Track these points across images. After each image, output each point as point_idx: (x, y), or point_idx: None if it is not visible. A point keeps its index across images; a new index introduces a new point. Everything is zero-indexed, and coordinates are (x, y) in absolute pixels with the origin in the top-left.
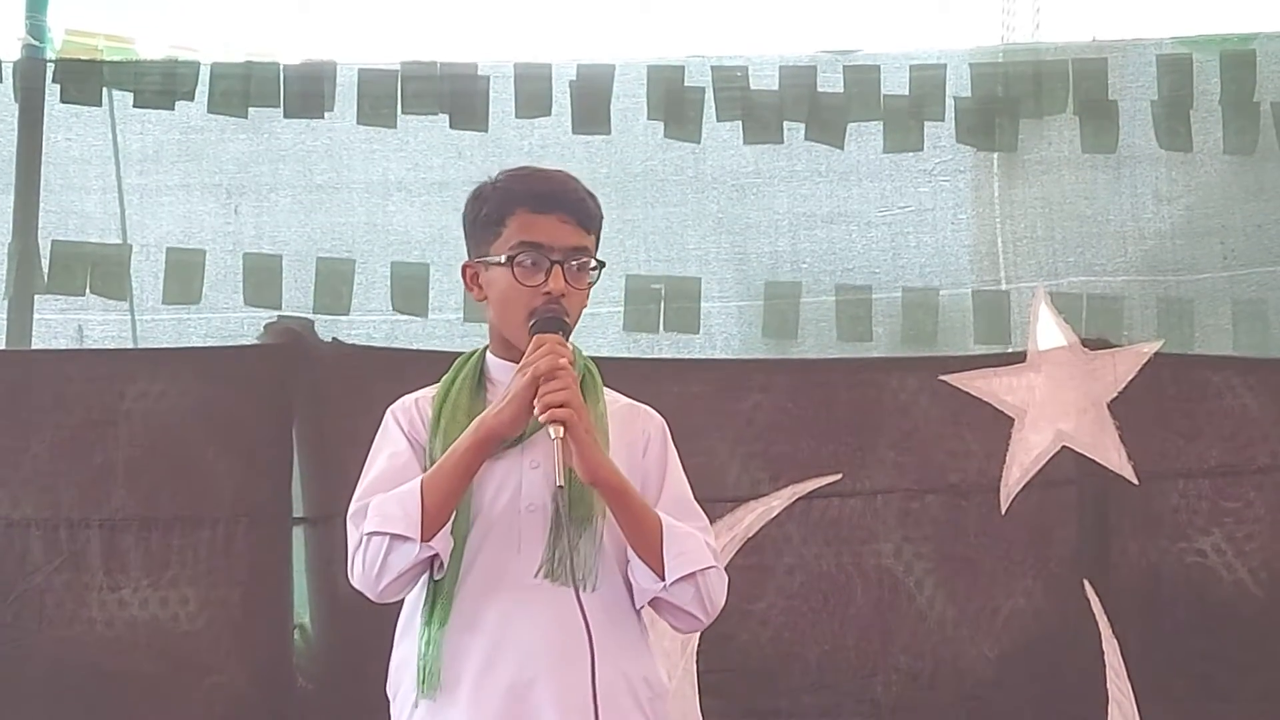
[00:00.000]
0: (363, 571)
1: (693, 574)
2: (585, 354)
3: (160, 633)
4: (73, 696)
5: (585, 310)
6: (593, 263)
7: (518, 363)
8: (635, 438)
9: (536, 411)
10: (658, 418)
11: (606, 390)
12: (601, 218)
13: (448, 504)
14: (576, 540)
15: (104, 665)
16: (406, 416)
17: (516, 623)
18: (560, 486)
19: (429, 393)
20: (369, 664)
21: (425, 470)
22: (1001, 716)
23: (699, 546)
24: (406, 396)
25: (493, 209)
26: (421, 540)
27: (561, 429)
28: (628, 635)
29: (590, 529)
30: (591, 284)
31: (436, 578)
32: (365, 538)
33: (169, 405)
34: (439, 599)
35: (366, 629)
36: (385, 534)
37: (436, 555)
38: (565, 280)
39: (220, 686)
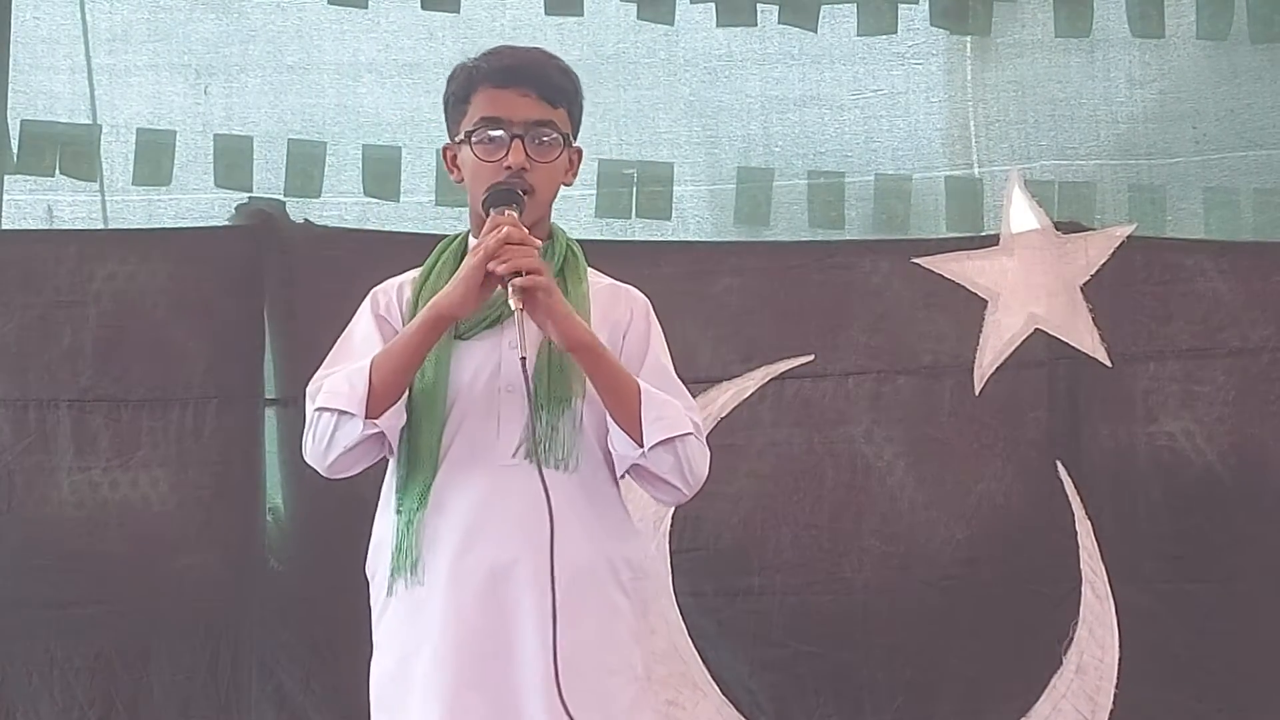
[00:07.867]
0: (313, 446)
1: (671, 439)
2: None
3: (131, 514)
4: (42, 578)
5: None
6: (557, 136)
7: None
8: (619, 318)
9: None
10: (641, 297)
11: (591, 271)
12: (576, 93)
13: (396, 383)
14: (555, 420)
15: (74, 546)
16: (385, 298)
17: (495, 504)
18: (523, 358)
19: (413, 275)
20: (341, 546)
21: None
22: (974, 596)
23: (678, 414)
24: (392, 279)
25: (459, 87)
26: (367, 417)
27: (518, 299)
28: (609, 515)
29: (569, 409)
30: (559, 159)
31: (389, 456)
32: (316, 413)
33: (139, 286)
34: (416, 481)
35: (339, 510)
36: (333, 410)
37: (389, 434)
38: (526, 154)
39: (191, 568)
